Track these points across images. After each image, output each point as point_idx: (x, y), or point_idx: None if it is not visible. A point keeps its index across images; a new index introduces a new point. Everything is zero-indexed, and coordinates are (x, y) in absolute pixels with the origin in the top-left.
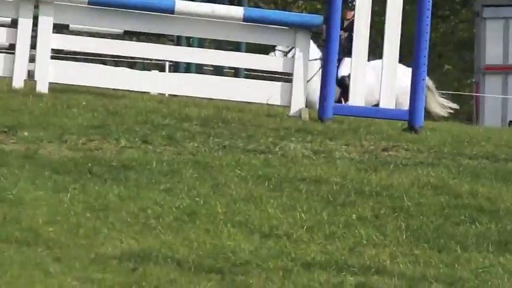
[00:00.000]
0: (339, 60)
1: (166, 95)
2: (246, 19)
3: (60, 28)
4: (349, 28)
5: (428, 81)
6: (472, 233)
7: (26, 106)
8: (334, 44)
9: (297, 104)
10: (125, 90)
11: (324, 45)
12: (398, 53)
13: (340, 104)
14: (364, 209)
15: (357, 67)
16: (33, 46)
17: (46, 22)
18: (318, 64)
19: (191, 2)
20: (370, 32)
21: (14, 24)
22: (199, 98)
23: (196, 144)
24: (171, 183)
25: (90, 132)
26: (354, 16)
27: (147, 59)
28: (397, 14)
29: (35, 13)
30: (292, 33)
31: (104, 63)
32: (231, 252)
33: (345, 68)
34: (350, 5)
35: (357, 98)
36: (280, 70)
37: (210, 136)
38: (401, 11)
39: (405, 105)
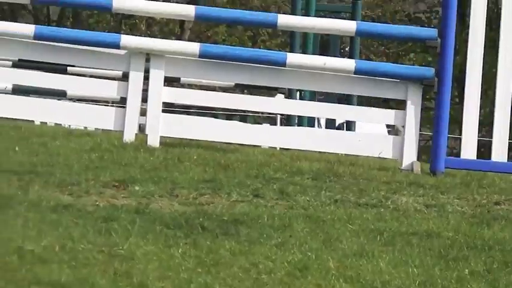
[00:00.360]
0: None
1: (278, 148)
2: (357, 71)
3: (170, 81)
4: None
5: None
6: None
7: (136, 160)
8: (446, 96)
9: (409, 157)
10: (237, 143)
11: (435, 97)
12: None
13: (452, 158)
14: (476, 264)
15: (467, 116)
16: (143, 99)
17: (157, 75)
18: None
19: (303, 54)
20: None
21: (125, 77)
22: (311, 151)
23: (307, 198)
24: (282, 238)
25: (201, 186)
26: None
27: (259, 112)
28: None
29: (146, 66)
30: (403, 86)
31: (215, 116)
32: None
33: None
34: None
35: (468, 151)
36: (392, 123)
37: (321, 190)
38: None
39: None
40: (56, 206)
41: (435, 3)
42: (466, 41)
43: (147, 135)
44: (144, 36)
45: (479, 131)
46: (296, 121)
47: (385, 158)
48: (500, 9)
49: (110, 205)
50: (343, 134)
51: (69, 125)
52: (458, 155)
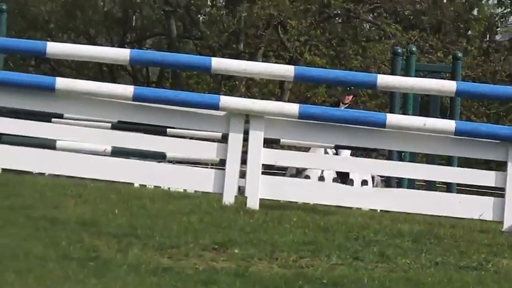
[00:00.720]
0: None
1: (378, 210)
2: (457, 132)
3: (270, 143)
4: None
5: None
6: None
7: (236, 223)
8: None
9: (510, 219)
10: (336, 206)
11: None
12: None
13: None
14: None
15: None
16: (243, 161)
17: (257, 137)
18: None
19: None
20: None
21: (224, 139)
22: (411, 213)
23: (408, 261)
24: None
25: (301, 248)
26: (351, 100)
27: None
28: None
29: (246, 128)
30: (504, 147)
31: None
32: None
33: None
34: (348, 89)
35: None
36: (492, 185)
37: (422, 252)
38: None
39: None
40: (156, 269)
41: None
42: None
43: (246, 197)
44: (244, 97)
45: None
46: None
47: (486, 220)
48: None
49: (209, 268)
50: (444, 196)
51: (168, 187)
52: None
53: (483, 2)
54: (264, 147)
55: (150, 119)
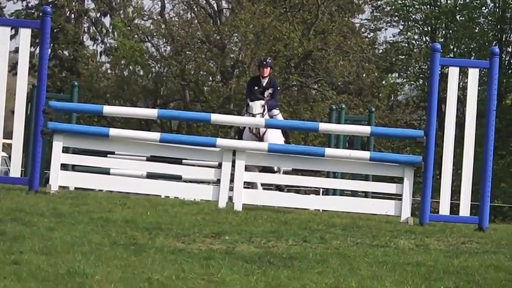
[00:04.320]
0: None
1: (320, 210)
2: (372, 159)
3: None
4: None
5: None
6: None
7: (227, 219)
8: (429, 174)
9: (405, 214)
10: (292, 207)
11: (422, 175)
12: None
13: (434, 214)
14: (449, 283)
15: (444, 186)
16: (231, 180)
17: (240, 164)
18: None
19: (335, 148)
20: None
21: (219, 165)
22: (341, 211)
23: (338, 242)
24: (322, 268)
25: (269, 235)
26: (270, 73)
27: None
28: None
29: (233, 158)
30: (402, 168)
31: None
32: None
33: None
34: (264, 63)
35: (444, 209)
36: (394, 192)
37: (348, 236)
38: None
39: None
40: (173, 250)
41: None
42: (443, 137)
43: (233, 203)
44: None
45: (452, 196)
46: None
47: (390, 215)
48: (465, 117)
49: (208, 249)
50: (362, 200)
51: (183, 198)
52: (437, 212)
53: (389, 75)
54: (244, 171)
55: (171, 153)
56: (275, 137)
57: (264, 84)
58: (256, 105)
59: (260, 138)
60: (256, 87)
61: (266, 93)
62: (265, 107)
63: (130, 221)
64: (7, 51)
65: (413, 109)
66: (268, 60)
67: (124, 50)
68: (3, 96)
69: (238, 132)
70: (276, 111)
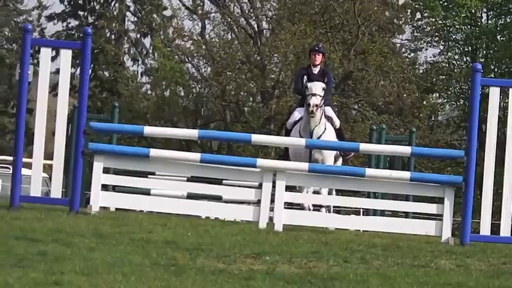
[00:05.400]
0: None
1: (361, 230)
2: (412, 179)
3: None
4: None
5: None
6: None
7: (267, 240)
8: (470, 195)
9: (446, 234)
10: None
11: (463, 196)
12: None
13: (474, 234)
14: None
15: (485, 207)
16: (272, 200)
17: (281, 184)
18: None
19: (376, 169)
20: None
21: (260, 186)
22: (382, 231)
23: (379, 262)
24: None
25: (309, 256)
26: (321, 62)
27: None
28: None
29: (274, 178)
30: (442, 188)
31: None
32: None
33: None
34: (316, 48)
35: (485, 230)
36: (435, 212)
37: (388, 257)
38: None
39: None
40: (214, 270)
41: (464, 134)
42: (483, 158)
43: (274, 223)
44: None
45: (493, 217)
46: None
47: (431, 236)
48: (505, 137)
49: (249, 269)
50: (403, 221)
51: (224, 218)
52: (478, 232)
53: (429, 95)
54: (286, 191)
55: (212, 174)
56: (332, 140)
57: (316, 74)
58: (317, 86)
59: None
60: (305, 77)
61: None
62: (325, 98)
63: (171, 241)
64: (48, 72)
65: (454, 129)
66: (320, 45)
67: (164, 70)
68: (44, 117)
69: (285, 134)
70: (330, 111)
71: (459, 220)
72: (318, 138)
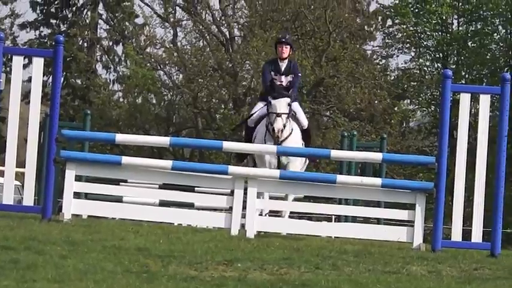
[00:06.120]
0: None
1: (332, 236)
2: (383, 186)
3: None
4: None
5: None
6: None
7: (239, 247)
8: (441, 201)
9: (417, 240)
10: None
11: (435, 201)
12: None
13: (446, 240)
14: None
15: (456, 213)
16: (243, 207)
17: (252, 191)
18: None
19: (347, 175)
20: None
21: (231, 193)
22: (353, 238)
23: (351, 269)
24: None
25: (281, 262)
26: (289, 55)
27: None
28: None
29: (245, 186)
30: (413, 195)
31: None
32: None
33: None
34: (283, 40)
35: (456, 236)
36: (406, 219)
37: (360, 263)
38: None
39: None
40: (186, 277)
41: (435, 140)
42: (454, 164)
43: (246, 230)
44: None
45: (464, 222)
46: None
47: (402, 242)
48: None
49: (221, 276)
50: (374, 226)
51: (196, 225)
52: (449, 238)
53: (401, 102)
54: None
55: (184, 181)
56: (298, 143)
57: (283, 68)
58: (281, 103)
59: (280, 142)
60: (273, 73)
61: (285, 81)
62: (291, 107)
63: (143, 248)
64: (20, 80)
65: (425, 135)
66: (287, 36)
67: (136, 78)
68: (16, 125)
69: (246, 130)
70: (296, 106)
71: (431, 226)
72: (284, 140)
